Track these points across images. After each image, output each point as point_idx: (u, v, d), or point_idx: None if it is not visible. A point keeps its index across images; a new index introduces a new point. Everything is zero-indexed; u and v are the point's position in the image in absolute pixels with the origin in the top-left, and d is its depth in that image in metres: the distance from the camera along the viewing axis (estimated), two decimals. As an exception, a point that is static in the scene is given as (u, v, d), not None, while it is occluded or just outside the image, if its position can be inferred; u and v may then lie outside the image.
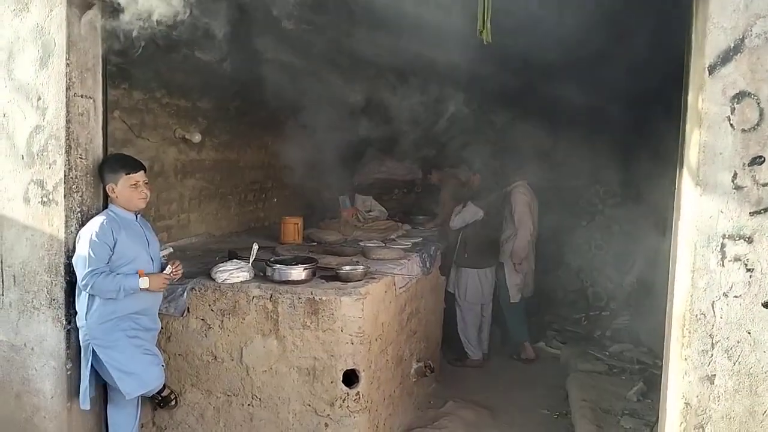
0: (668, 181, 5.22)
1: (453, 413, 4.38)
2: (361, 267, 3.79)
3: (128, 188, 3.29)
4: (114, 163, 3.42)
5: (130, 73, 4.35)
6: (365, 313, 3.44)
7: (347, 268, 3.76)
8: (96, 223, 3.23)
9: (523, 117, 6.74)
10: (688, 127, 2.81)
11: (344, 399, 3.43)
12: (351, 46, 5.38)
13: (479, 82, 6.47)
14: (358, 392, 3.45)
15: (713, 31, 2.59)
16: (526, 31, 4.03)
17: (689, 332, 2.66)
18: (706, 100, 2.61)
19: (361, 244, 4.96)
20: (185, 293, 3.59)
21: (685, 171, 2.80)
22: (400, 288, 4.09)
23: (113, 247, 3.20)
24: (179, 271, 3.43)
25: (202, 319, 3.60)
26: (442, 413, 4.41)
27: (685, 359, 2.67)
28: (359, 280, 3.66)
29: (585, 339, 6.20)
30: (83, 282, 3.13)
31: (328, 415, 3.44)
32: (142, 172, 3.35)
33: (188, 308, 3.60)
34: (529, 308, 6.13)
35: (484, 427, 4.27)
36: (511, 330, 5.94)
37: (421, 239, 5.37)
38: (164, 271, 3.35)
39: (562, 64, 5.20)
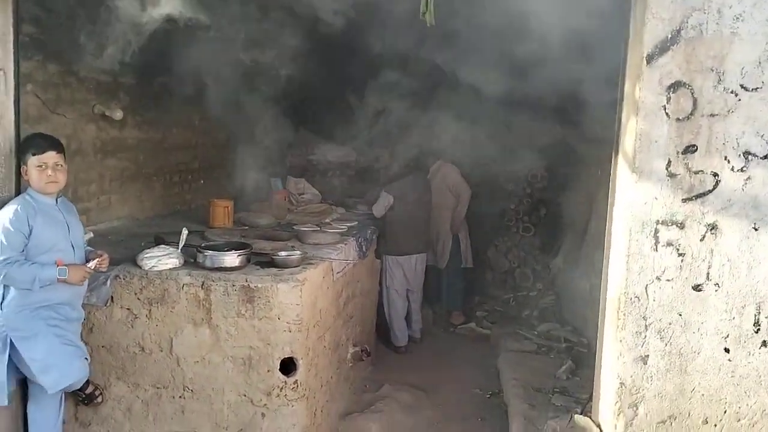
0: (596, 166, 5.43)
1: (389, 396, 4.39)
2: (298, 252, 3.69)
3: (35, 170, 3.03)
4: (24, 142, 3.15)
5: (45, 43, 4.01)
6: (303, 300, 3.35)
7: (283, 253, 3.65)
8: (10, 209, 2.96)
9: (454, 100, 6.77)
10: (624, 115, 2.88)
11: (282, 388, 3.34)
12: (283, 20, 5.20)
13: (412, 64, 6.45)
14: (296, 380, 3.37)
15: (652, 21, 2.65)
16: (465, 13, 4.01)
17: (624, 315, 2.74)
18: (643, 89, 2.67)
19: (295, 228, 4.84)
20: (108, 282, 3.37)
21: (621, 158, 2.87)
22: (337, 273, 4.02)
23: (29, 235, 2.96)
24: (105, 264, 3.21)
25: (128, 309, 3.40)
26: (378, 396, 4.40)
27: (620, 341, 2.75)
28: (296, 266, 3.56)
29: (513, 319, 6.36)
30: None
31: (265, 404, 3.34)
32: (52, 152, 3.07)
33: (112, 297, 3.39)
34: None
35: (420, 409, 4.30)
36: (452, 296, 6.34)
37: (356, 222, 5.30)
38: (88, 264, 3.13)
39: (495, 48, 5.23)
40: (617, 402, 2.78)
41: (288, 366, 3.38)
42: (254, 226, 4.97)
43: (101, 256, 3.19)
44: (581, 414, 3.40)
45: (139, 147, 5.19)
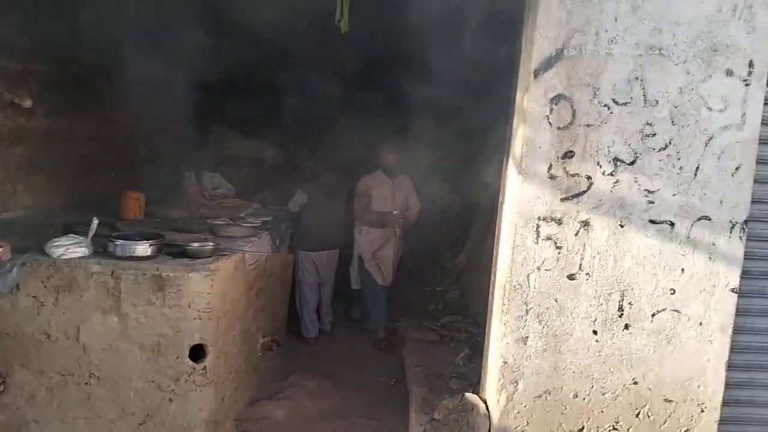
0: (495, 169, 5.83)
1: (297, 384, 4.56)
2: (211, 243, 3.80)
3: None
4: None
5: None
6: (214, 288, 3.47)
7: (196, 244, 3.74)
8: None
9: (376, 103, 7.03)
10: (514, 122, 3.20)
11: (190, 374, 3.44)
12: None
13: (333, 67, 6.65)
14: (205, 366, 3.48)
15: (539, 39, 2.97)
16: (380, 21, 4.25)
17: (508, 300, 3.06)
18: (530, 101, 2.99)
19: (208, 221, 4.92)
20: (14, 269, 3.35)
21: (510, 161, 3.19)
22: (249, 265, 4.14)
23: None
24: (6, 255, 3.20)
25: (34, 296, 3.39)
26: (286, 384, 4.56)
27: (504, 324, 3.07)
28: (208, 257, 3.66)
29: (421, 312, 6.67)
30: None
31: (173, 390, 3.43)
32: None
33: (18, 285, 3.37)
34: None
35: (327, 395, 4.49)
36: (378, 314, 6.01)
37: (271, 218, 5.41)
38: None
39: (411, 55, 5.50)
40: (500, 379, 3.10)
41: (197, 353, 3.48)
42: (167, 218, 4.99)
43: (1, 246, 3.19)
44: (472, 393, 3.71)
45: (46, 136, 5.08)
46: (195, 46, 5.76)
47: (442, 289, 7.31)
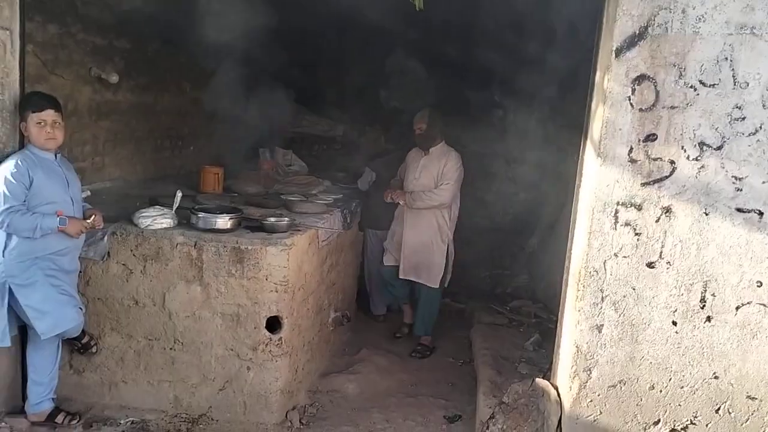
0: (570, 152, 5.69)
1: (366, 359, 4.66)
2: (287, 219, 3.90)
3: (35, 127, 3.21)
4: (24, 100, 3.34)
5: (44, 4, 4.13)
6: (290, 263, 3.57)
7: (272, 219, 3.86)
8: (11, 162, 3.14)
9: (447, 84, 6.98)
10: (593, 103, 3.11)
11: (267, 344, 3.57)
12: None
13: (408, 45, 6.61)
14: (281, 338, 3.61)
15: (622, 17, 2.86)
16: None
17: (583, 287, 3.00)
18: (611, 81, 2.90)
19: (282, 197, 5.05)
20: (106, 237, 3.57)
21: (588, 143, 3.11)
22: (322, 241, 4.24)
23: (29, 186, 3.14)
24: (99, 223, 3.40)
25: (124, 264, 3.60)
26: (356, 359, 4.67)
27: (578, 310, 3.02)
28: (284, 232, 3.77)
29: (488, 296, 6.65)
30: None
31: (251, 359, 3.58)
32: (50, 110, 3.25)
33: (109, 252, 3.58)
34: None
35: (395, 372, 4.57)
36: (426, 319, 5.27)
37: (342, 195, 5.50)
38: (86, 221, 3.32)
39: (489, 32, 5.39)
40: (573, 366, 3.06)
41: (273, 324, 3.62)
42: (243, 193, 5.16)
43: (97, 217, 3.38)
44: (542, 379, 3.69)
45: (131, 110, 5.33)
46: (270, 23, 5.88)
47: (510, 273, 7.27)
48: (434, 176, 4.88)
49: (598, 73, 3.07)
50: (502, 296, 6.52)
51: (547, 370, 3.80)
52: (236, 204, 4.46)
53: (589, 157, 3.05)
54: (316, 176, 6.38)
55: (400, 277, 5.04)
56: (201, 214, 3.64)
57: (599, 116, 2.96)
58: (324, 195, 5.43)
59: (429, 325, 5.14)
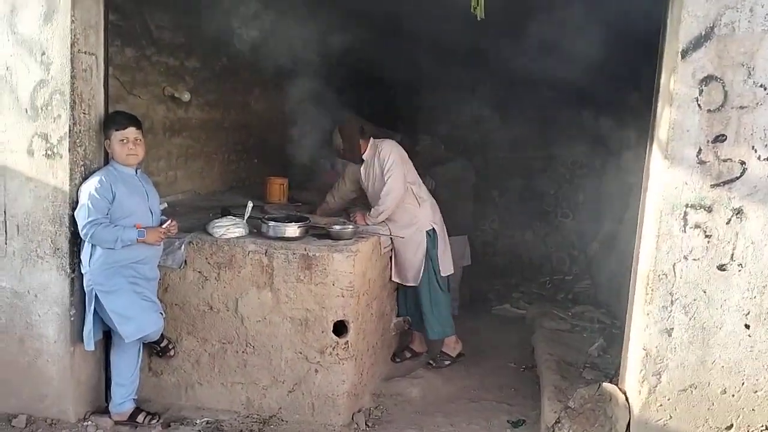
0: (634, 155, 5.60)
1: (427, 364, 4.71)
2: (351, 226, 4.02)
3: (118, 144, 3.43)
4: (108, 119, 3.58)
5: (123, 29, 4.41)
6: (355, 269, 3.68)
7: (337, 227, 3.98)
8: (96, 178, 3.38)
9: (499, 88, 7.00)
10: (659, 105, 3.09)
11: (334, 347, 3.69)
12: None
13: (461, 52, 6.67)
14: (347, 341, 3.71)
15: (687, 18, 2.85)
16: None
17: (652, 290, 2.98)
18: (678, 82, 2.88)
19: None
20: (183, 246, 3.76)
21: (655, 145, 3.09)
22: (384, 248, 4.34)
23: (112, 201, 3.36)
24: (174, 229, 3.60)
25: (199, 272, 3.79)
26: (418, 364, 4.73)
27: (647, 314, 3.00)
28: (349, 239, 3.89)
29: (549, 301, 6.60)
30: (83, 231, 3.30)
31: (318, 362, 3.70)
32: (132, 128, 3.47)
33: (185, 261, 3.78)
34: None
35: (457, 377, 4.60)
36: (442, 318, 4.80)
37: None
38: (161, 226, 3.52)
39: (538, 32, 5.39)
40: (642, 370, 3.04)
41: (339, 328, 3.73)
42: (306, 202, 5.31)
43: (171, 222, 3.59)
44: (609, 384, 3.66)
45: (201, 127, 5.59)
46: (325, 37, 6.05)
47: (571, 278, 7.20)
48: (382, 176, 4.43)
49: (663, 75, 3.05)
50: (563, 302, 6.46)
51: (614, 375, 3.76)
52: (301, 213, 4.62)
53: (656, 159, 3.03)
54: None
55: (392, 280, 4.58)
56: (271, 223, 3.80)
57: (666, 118, 2.95)
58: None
59: (441, 325, 4.65)
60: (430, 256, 4.51)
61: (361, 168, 4.56)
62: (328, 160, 6.92)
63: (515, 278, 7.36)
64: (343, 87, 7.31)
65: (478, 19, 3.21)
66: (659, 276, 2.96)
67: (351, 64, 6.78)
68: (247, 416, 3.83)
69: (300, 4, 5.56)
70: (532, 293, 6.94)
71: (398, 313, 4.78)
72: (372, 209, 4.41)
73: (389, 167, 4.35)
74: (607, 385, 3.40)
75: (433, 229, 4.54)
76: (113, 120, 3.52)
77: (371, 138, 4.56)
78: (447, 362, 4.74)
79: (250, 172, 6.60)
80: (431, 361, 4.74)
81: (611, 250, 6.16)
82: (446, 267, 4.66)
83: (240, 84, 6.25)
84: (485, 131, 7.48)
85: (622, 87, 5.98)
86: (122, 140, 3.43)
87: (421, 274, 4.48)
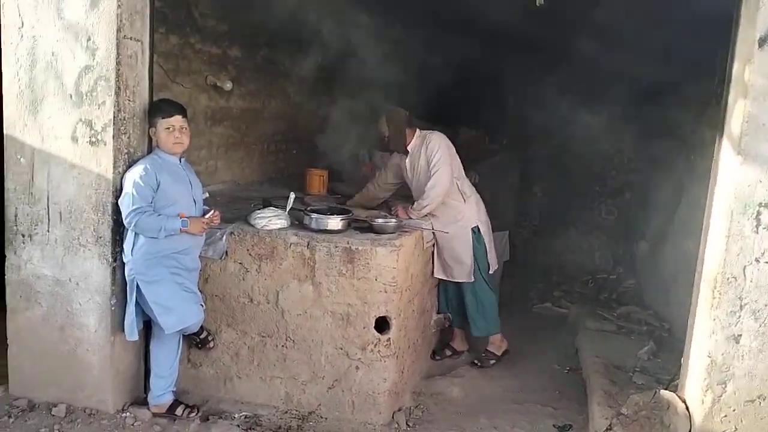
0: (688, 150, 5.34)
1: (469, 363, 4.58)
2: (394, 220, 3.90)
3: (163, 132, 3.37)
4: (153, 107, 3.51)
5: (168, 17, 4.36)
6: (399, 263, 3.56)
7: (381, 220, 3.87)
8: (140, 166, 3.32)
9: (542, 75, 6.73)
10: (731, 97, 2.89)
11: (375, 344, 3.58)
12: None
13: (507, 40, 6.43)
14: (389, 338, 3.60)
15: (765, 4, 2.64)
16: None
17: (719, 294, 2.80)
18: (754, 72, 2.69)
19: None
20: (224, 237, 3.70)
21: (726, 140, 2.89)
22: (427, 242, 4.21)
23: (156, 189, 3.30)
24: (217, 219, 3.53)
25: (240, 263, 3.72)
26: (459, 362, 4.61)
27: (714, 319, 2.82)
28: (392, 233, 3.77)
29: (592, 300, 6.39)
30: (127, 220, 3.25)
31: (360, 358, 3.60)
32: (178, 116, 3.41)
33: (227, 252, 3.72)
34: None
35: (499, 377, 4.46)
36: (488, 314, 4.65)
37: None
38: (204, 216, 3.46)
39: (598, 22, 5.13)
40: (706, 378, 2.85)
41: (381, 324, 3.62)
42: (345, 194, 5.21)
43: (214, 211, 3.52)
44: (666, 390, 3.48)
45: (242, 117, 5.53)
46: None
47: (615, 278, 6.97)
48: (426, 169, 4.30)
49: (736, 65, 2.85)
50: (607, 302, 6.25)
51: (669, 381, 3.58)
52: (341, 205, 4.53)
53: (728, 155, 2.84)
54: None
55: (435, 275, 4.47)
56: (314, 215, 3.71)
57: (739, 111, 2.76)
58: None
59: (486, 322, 4.52)
60: (476, 254, 4.39)
61: (407, 159, 4.43)
62: (367, 151, 6.83)
63: (557, 276, 7.17)
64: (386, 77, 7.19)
65: (537, 5, 3.06)
66: (728, 279, 2.77)
67: (397, 54, 6.61)
68: (286, 412, 3.75)
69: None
70: (574, 292, 6.75)
71: (438, 309, 4.67)
72: (415, 203, 4.28)
73: (437, 161, 4.20)
74: (664, 392, 3.23)
75: (478, 227, 4.42)
76: (159, 108, 3.46)
77: (417, 129, 4.43)
78: (492, 361, 4.61)
79: (289, 163, 6.54)
80: (476, 360, 4.61)
81: (660, 249, 5.93)
82: (492, 263, 4.56)
83: (281, 74, 6.17)
84: (527, 125, 7.25)
85: (675, 79, 5.70)
86: (168, 128, 3.37)
87: (472, 271, 4.38)
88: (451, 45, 6.75)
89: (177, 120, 3.40)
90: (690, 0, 3.61)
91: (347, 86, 6.24)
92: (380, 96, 7.13)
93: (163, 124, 3.38)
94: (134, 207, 3.24)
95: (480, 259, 4.42)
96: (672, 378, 3.61)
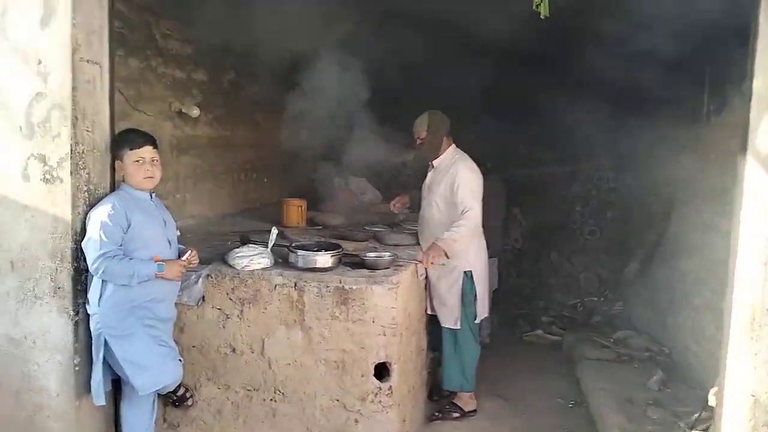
0: (674, 161, 5.14)
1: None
2: (388, 254, 3.58)
3: (132, 165, 3.00)
4: (119, 137, 3.13)
5: (126, 38, 3.98)
6: (398, 303, 3.24)
7: (373, 254, 3.54)
8: (108, 203, 2.93)
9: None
10: (754, 111, 2.68)
11: (376, 394, 3.23)
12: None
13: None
14: (390, 386, 3.25)
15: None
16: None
17: (759, 326, 2.56)
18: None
19: (367, 228, 4.75)
20: (200, 280, 3.31)
21: (750, 158, 2.67)
22: (421, 275, 3.90)
23: (127, 229, 2.91)
24: (195, 260, 3.16)
25: (219, 309, 3.34)
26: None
27: (755, 354, 2.57)
28: (387, 268, 3.45)
29: (583, 325, 6.17)
30: (94, 266, 2.84)
31: (359, 410, 3.24)
32: (148, 147, 3.04)
33: (204, 297, 3.33)
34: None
35: (505, 417, 4.16)
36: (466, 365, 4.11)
37: (428, 224, 5.15)
38: (181, 258, 3.08)
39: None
40: (751, 419, 2.59)
41: (381, 371, 3.27)
42: (327, 225, 4.88)
43: (192, 251, 3.14)
44: (690, 430, 3.22)
45: (210, 145, 5.16)
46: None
47: (603, 300, 6.77)
48: (444, 193, 3.89)
49: (758, 78, 2.65)
50: (599, 326, 6.03)
51: (697, 418, 3.32)
52: (323, 238, 4.19)
53: (755, 173, 2.62)
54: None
55: (428, 312, 4.10)
56: (300, 252, 3.35)
57: (765, 127, 2.54)
58: (409, 224, 5.11)
59: (461, 377, 4.01)
60: (464, 300, 3.94)
61: (429, 171, 4.09)
62: (343, 178, 6.51)
63: (543, 300, 6.94)
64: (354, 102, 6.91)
65: (542, 17, 2.82)
66: (768, 309, 2.53)
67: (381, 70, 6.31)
68: (276, 473, 3.35)
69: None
70: (563, 317, 6.51)
71: (434, 347, 4.32)
72: (437, 242, 3.75)
73: (468, 195, 3.78)
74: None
75: (472, 272, 3.95)
76: (126, 138, 3.07)
77: (453, 144, 4.08)
78: (456, 414, 4.07)
79: (262, 192, 6.17)
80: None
81: (650, 270, 5.75)
82: (482, 311, 4.08)
83: (249, 99, 5.82)
84: (505, 145, 7.02)
85: (662, 92, 5.51)
86: (137, 160, 2.99)
87: (459, 317, 3.95)
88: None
89: (147, 151, 3.02)
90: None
91: (320, 109, 5.95)
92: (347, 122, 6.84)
93: (131, 156, 2.99)
94: (102, 251, 2.83)
95: (467, 305, 3.94)
96: (695, 412, 3.36)
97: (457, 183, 3.83)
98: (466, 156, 4.03)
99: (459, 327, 3.95)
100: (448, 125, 4.06)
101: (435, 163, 4.06)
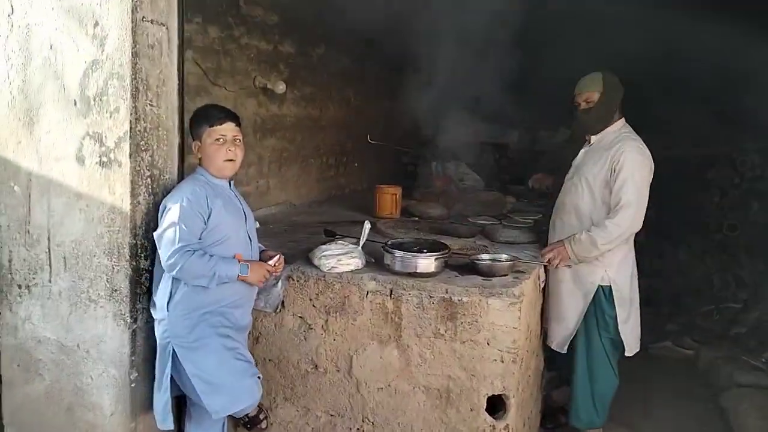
0: None
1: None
2: (506, 256, 2.91)
3: (212, 145, 2.50)
4: (197, 113, 2.63)
5: (205, 3, 3.52)
6: (521, 322, 2.57)
7: (487, 257, 2.88)
8: (186, 188, 2.46)
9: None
10: None
11: (488, 433, 2.59)
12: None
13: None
14: (507, 424, 2.61)
15: None
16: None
17: None
18: None
19: (470, 220, 4.10)
20: (280, 283, 2.79)
21: None
22: (542, 281, 3.19)
23: (207, 220, 2.42)
24: (281, 268, 2.67)
25: (301, 317, 2.82)
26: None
27: None
28: (505, 275, 2.78)
29: (720, 338, 5.22)
30: (170, 261, 2.36)
31: (467, 451, 2.62)
32: (231, 124, 2.54)
33: (283, 302, 2.81)
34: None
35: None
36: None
37: (540, 216, 4.39)
38: (269, 262, 2.57)
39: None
40: None
41: (495, 404, 2.63)
42: (425, 216, 4.25)
43: (279, 256, 2.63)
44: None
45: (297, 125, 4.67)
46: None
47: (740, 307, 5.77)
48: (599, 174, 3.06)
49: None
50: (742, 340, 5.07)
51: None
52: (421, 231, 3.59)
53: None
54: (497, 191, 5.37)
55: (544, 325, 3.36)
56: (398, 253, 2.74)
57: None
58: (519, 215, 4.41)
59: (593, 415, 3.28)
60: (598, 322, 3.15)
61: (583, 148, 3.26)
62: (440, 163, 5.87)
63: (668, 306, 6.00)
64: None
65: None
66: None
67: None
68: None
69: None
70: (695, 326, 5.57)
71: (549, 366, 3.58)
72: (571, 240, 3.04)
73: (635, 179, 2.96)
74: None
75: (611, 287, 3.11)
76: (204, 114, 2.58)
77: (623, 117, 3.22)
78: None
79: (350, 178, 5.63)
80: None
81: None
82: (632, 343, 3.23)
83: (339, 74, 5.28)
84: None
85: None
86: (218, 139, 2.50)
87: (568, 340, 3.20)
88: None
89: (229, 128, 2.53)
90: None
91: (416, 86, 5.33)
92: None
93: (211, 134, 2.50)
94: (180, 244, 2.35)
95: (610, 329, 3.15)
96: None
97: (620, 164, 2.97)
98: (635, 135, 3.16)
99: (593, 356, 3.18)
100: (623, 92, 3.19)
101: (594, 138, 3.21)
